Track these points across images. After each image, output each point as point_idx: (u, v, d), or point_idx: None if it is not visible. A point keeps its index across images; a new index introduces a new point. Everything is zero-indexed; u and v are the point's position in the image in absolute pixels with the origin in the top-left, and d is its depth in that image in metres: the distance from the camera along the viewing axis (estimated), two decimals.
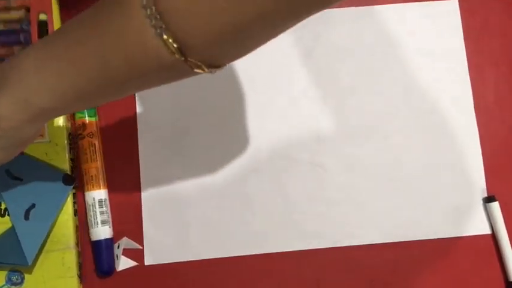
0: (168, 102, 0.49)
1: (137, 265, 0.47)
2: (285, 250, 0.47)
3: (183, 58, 0.27)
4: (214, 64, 0.29)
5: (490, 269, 0.48)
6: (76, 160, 0.48)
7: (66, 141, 0.47)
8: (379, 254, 0.47)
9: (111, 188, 0.47)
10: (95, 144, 0.47)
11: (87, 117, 0.47)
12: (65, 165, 0.46)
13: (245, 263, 0.47)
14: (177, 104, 0.49)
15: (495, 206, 0.47)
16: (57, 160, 0.46)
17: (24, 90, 0.32)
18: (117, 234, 0.47)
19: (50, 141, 0.46)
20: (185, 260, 0.47)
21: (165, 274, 0.47)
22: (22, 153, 0.45)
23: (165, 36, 0.26)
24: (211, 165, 0.48)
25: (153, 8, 0.26)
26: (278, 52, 0.50)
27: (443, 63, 0.50)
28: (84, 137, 0.47)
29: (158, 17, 0.26)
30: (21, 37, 0.48)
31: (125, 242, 0.46)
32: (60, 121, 0.47)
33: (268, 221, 0.47)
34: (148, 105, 0.49)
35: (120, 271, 0.46)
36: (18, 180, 0.45)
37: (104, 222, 0.46)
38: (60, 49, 0.30)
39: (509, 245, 0.47)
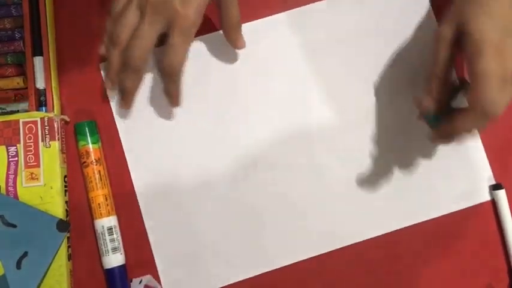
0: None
1: None
2: (296, 261, 0.47)
3: None
4: None
5: (495, 256, 0.48)
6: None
7: (61, 184, 0.46)
8: (384, 246, 0.48)
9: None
10: (99, 171, 0.46)
11: (90, 145, 0.46)
12: (61, 209, 0.45)
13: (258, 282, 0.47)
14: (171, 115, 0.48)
15: (502, 193, 0.47)
16: (52, 204, 0.45)
17: None
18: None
19: (44, 185, 0.45)
20: None
21: None
22: (17, 200, 0.45)
23: None
24: (209, 169, 0.48)
25: None
26: (274, 51, 0.49)
27: None
28: (88, 165, 0.46)
29: None
30: (13, 10, 0.48)
31: (148, 279, 0.46)
32: (55, 164, 0.46)
33: (278, 234, 0.47)
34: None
35: None
36: (12, 227, 0.44)
37: (114, 250, 0.45)
38: None
39: None
